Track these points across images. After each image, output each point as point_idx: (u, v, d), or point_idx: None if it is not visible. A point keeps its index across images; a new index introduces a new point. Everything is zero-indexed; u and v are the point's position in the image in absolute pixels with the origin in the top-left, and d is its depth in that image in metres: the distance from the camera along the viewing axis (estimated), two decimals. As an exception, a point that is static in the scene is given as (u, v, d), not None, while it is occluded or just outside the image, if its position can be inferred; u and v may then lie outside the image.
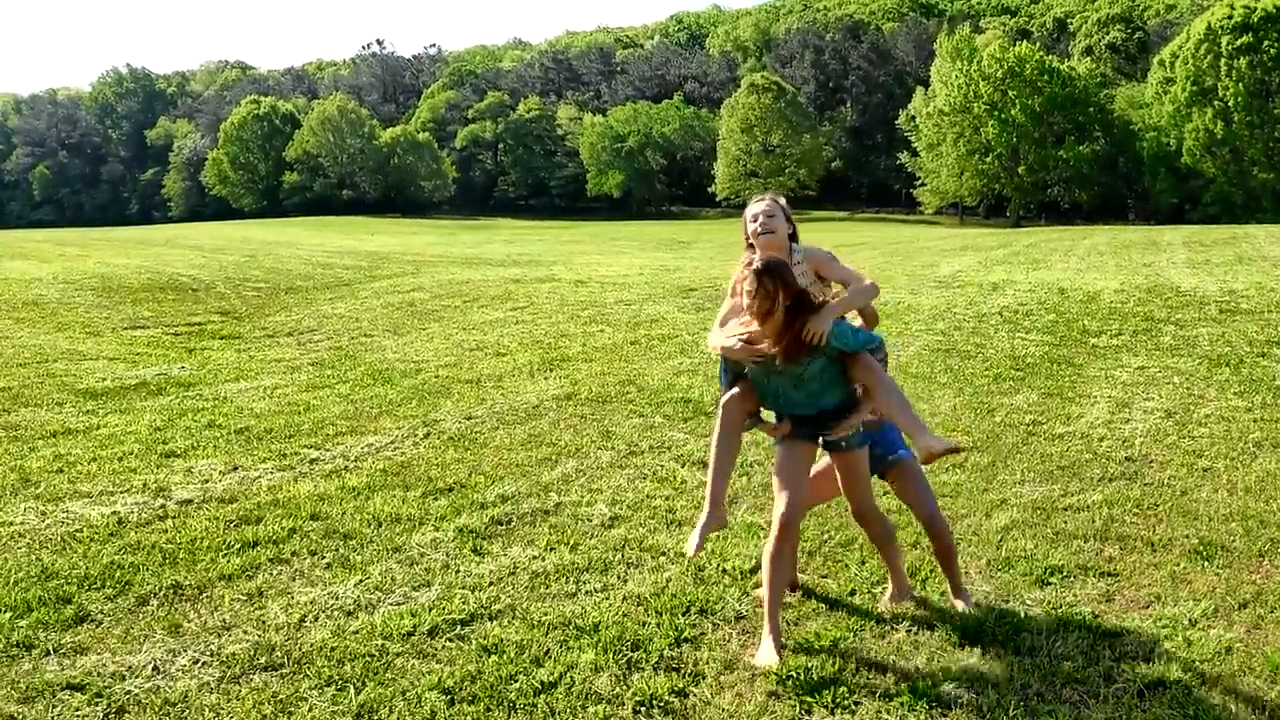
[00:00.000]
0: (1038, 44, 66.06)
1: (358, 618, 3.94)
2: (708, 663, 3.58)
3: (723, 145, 72.86)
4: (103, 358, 9.85)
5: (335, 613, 3.98)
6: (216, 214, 79.73)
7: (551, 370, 9.07)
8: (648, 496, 5.42)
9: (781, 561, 3.70)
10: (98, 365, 9.43)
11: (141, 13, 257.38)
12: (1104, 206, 60.21)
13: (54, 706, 3.29)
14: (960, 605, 4.02)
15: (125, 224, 70.58)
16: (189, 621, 3.90)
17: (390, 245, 31.70)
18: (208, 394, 8.16)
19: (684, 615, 3.94)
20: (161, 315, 12.88)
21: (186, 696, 3.35)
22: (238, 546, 4.66)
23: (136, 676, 3.47)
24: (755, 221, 3.93)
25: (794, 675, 3.45)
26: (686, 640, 3.74)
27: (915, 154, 65.19)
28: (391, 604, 4.07)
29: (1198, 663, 3.55)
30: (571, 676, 3.46)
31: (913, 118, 66.10)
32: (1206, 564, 4.41)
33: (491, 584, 4.26)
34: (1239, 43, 52.87)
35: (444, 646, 3.70)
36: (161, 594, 4.15)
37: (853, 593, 4.18)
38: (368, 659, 3.60)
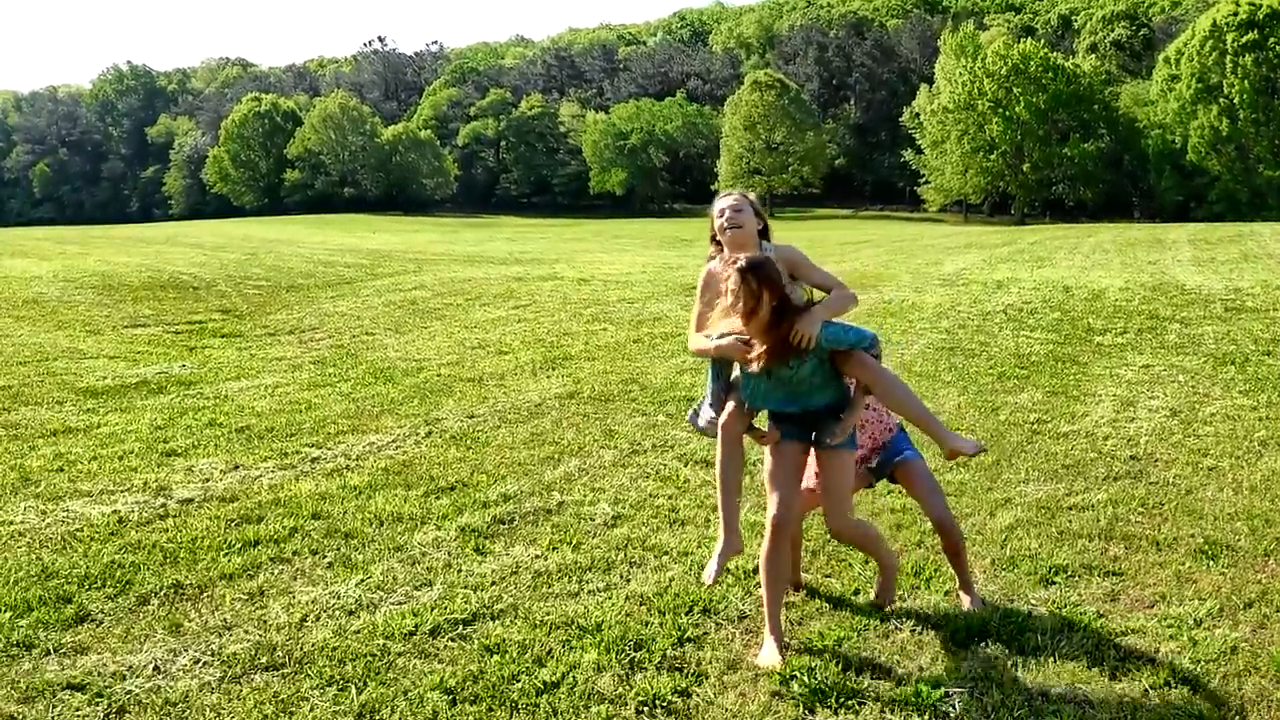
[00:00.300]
0: (1042, 41, 65.98)
1: (359, 617, 3.93)
2: (711, 662, 3.56)
3: (726, 143, 72.79)
4: (103, 356, 9.85)
5: (337, 612, 3.97)
6: (217, 212, 79.78)
7: (554, 369, 9.05)
8: (650, 495, 5.41)
9: (778, 562, 3.67)
10: (98, 364, 9.42)
11: (142, 10, 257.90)
12: (1109, 204, 60.09)
13: (54, 706, 3.28)
14: (967, 602, 4.00)
15: (126, 222, 70.57)
16: (190, 621, 3.89)
17: (392, 243, 31.70)
18: (209, 392, 8.15)
19: (687, 615, 3.92)
20: (162, 313, 12.88)
21: (187, 696, 3.34)
22: (239, 546, 4.65)
23: (137, 676, 3.46)
24: (722, 216, 3.79)
25: (797, 675, 3.43)
26: (689, 640, 3.73)
27: (919, 151, 65.09)
28: (393, 603, 4.05)
29: (1203, 662, 3.53)
30: (574, 676, 3.45)
31: (917, 115, 65.97)
32: (1212, 563, 4.39)
33: (494, 583, 4.25)
34: (1244, 39, 52.72)
35: (446, 646, 3.69)
36: (162, 593, 4.14)
37: (856, 592, 4.16)
38: (369, 659, 3.59)
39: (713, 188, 73.32)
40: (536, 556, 4.54)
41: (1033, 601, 4.04)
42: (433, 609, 3.97)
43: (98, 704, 3.29)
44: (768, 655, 3.57)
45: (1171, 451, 6.09)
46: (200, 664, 3.55)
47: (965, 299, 12.76)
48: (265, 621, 3.89)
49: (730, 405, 3.74)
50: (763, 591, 3.71)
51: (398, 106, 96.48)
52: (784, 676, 3.44)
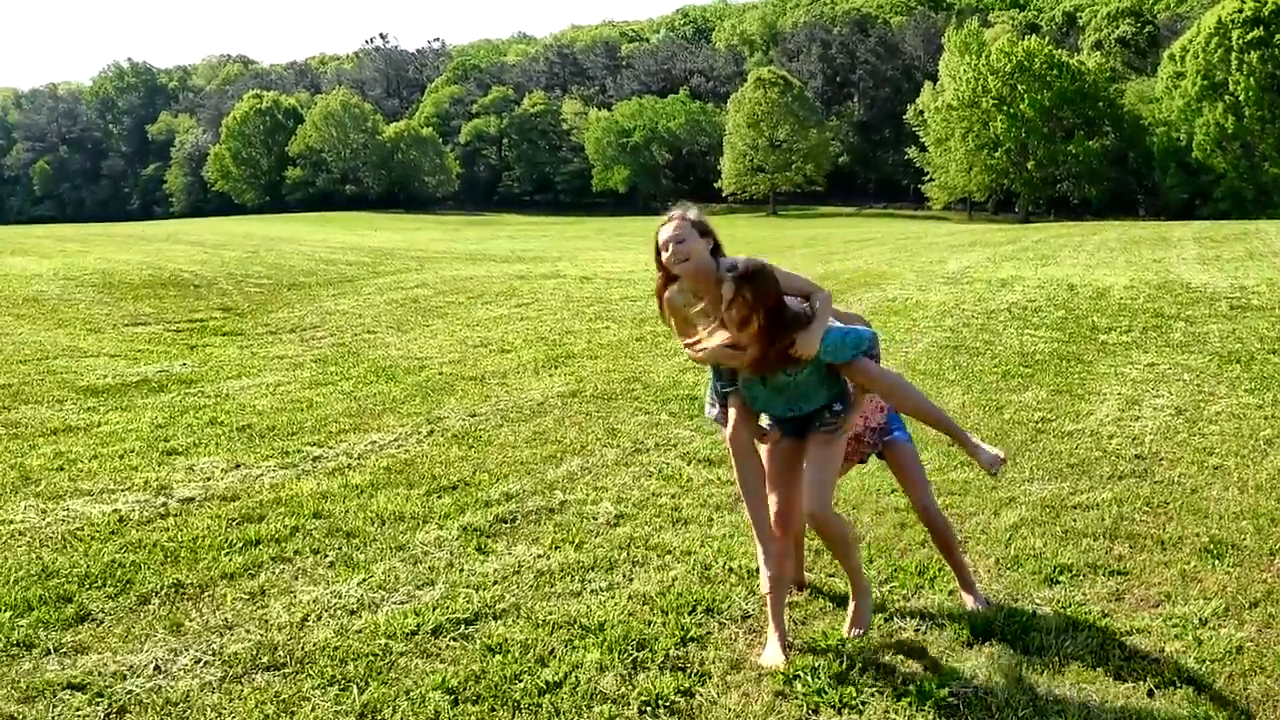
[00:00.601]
0: (1047, 38, 65.76)
1: (361, 617, 3.92)
2: (714, 662, 3.55)
3: (729, 140, 72.70)
4: (104, 354, 9.84)
5: (338, 612, 3.96)
6: (218, 210, 79.72)
7: (556, 367, 9.04)
8: (653, 494, 5.39)
9: (781, 561, 3.64)
10: (98, 362, 9.42)
11: (143, 6, 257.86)
12: (1114, 202, 59.93)
13: (54, 706, 3.26)
14: (970, 602, 3.97)
15: (126, 220, 70.49)
16: (191, 620, 3.88)
17: (394, 241, 31.70)
18: (210, 391, 8.14)
19: (690, 614, 3.91)
20: (163, 312, 12.88)
21: (188, 696, 3.33)
22: (240, 545, 4.64)
23: (138, 676, 3.45)
24: (667, 251, 3.54)
25: (801, 675, 3.42)
26: (692, 640, 3.71)
27: (923, 149, 64.95)
28: (395, 603, 4.04)
29: (1208, 662, 3.52)
30: (576, 676, 3.43)
31: (921, 112, 65.84)
32: (1217, 562, 4.37)
33: (496, 583, 4.23)
34: (1250, 36, 52.55)
35: (448, 646, 3.68)
36: (163, 593, 4.13)
37: (860, 592, 4.14)
38: (371, 658, 3.57)
39: (716, 185, 73.43)
40: (539, 556, 4.53)
41: (1037, 601, 4.02)
42: (435, 608, 3.96)
43: (98, 704, 3.28)
44: (771, 655, 3.55)
45: (1177, 450, 6.07)
46: (201, 664, 3.54)
47: (969, 297, 12.73)
48: (266, 621, 3.87)
49: (732, 414, 3.68)
50: (766, 594, 3.69)
51: (399, 104, 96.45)
52: (787, 676, 3.43)
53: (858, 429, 3.99)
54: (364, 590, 4.15)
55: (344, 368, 9.20)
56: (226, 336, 11.24)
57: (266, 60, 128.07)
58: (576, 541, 4.70)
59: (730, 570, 4.33)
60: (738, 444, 3.68)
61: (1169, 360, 8.81)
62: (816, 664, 3.48)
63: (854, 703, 3.27)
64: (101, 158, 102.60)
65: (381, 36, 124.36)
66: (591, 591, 4.14)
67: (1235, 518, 4.89)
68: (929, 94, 65.88)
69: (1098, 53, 67.96)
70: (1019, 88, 59.19)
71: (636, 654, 3.59)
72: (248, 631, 3.79)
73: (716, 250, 3.59)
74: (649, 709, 3.26)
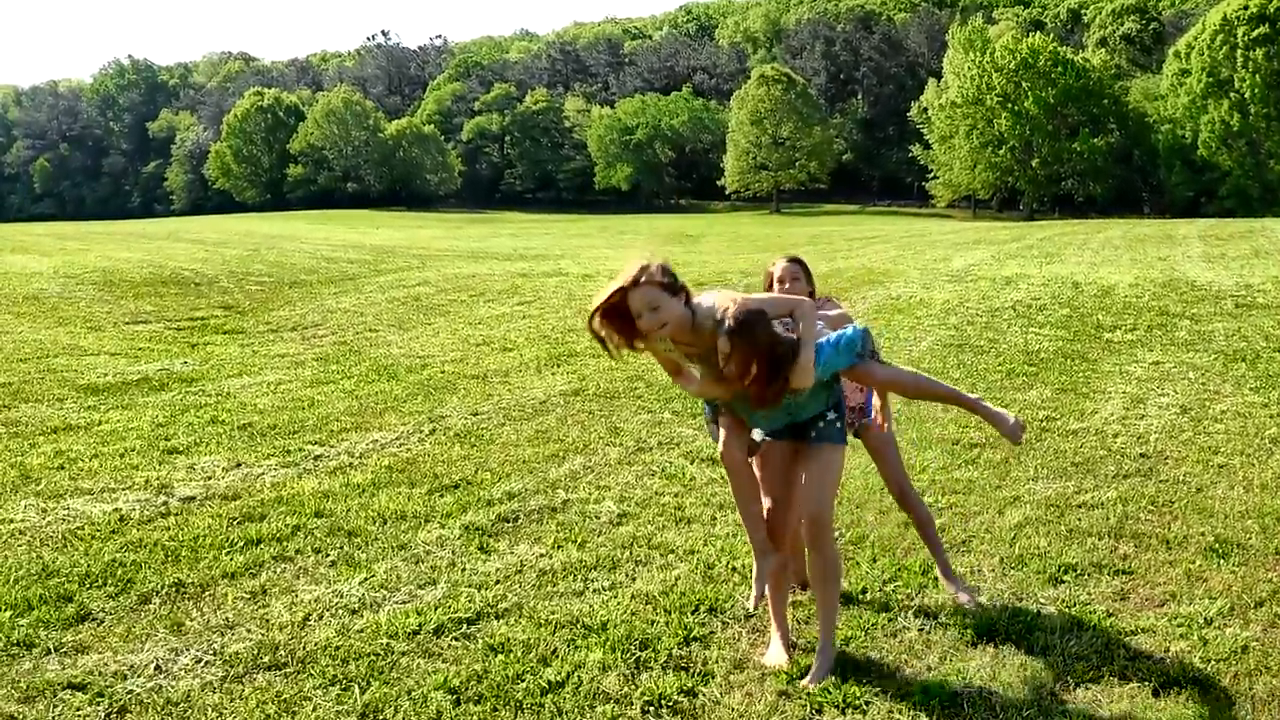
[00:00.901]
0: (1051, 35, 65.61)
1: (362, 616, 3.90)
2: (717, 662, 3.53)
3: (732, 138, 72.63)
4: (104, 353, 9.84)
5: (340, 611, 3.95)
6: (219, 207, 79.78)
7: (559, 365, 9.02)
8: (656, 493, 5.38)
9: (778, 577, 3.59)
10: (99, 360, 9.41)
11: (144, 3, 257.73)
12: (1118, 200, 59.83)
13: (55, 706, 3.25)
14: (951, 590, 3.98)
15: (127, 217, 70.54)
16: (191, 620, 3.87)
17: (395, 239, 31.70)
18: (210, 390, 8.13)
19: (693, 614, 3.89)
20: (164, 310, 12.88)
21: (189, 696, 3.32)
22: (241, 544, 4.63)
23: (138, 676, 3.44)
24: (640, 320, 3.34)
25: (804, 674, 3.40)
26: (695, 639, 3.70)
27: (927, 146, 64.85)
28: (397, 602, 4.03)
29: (1213, 662, 3.50)
30: (579, 676, 3.42)
31: (925, 110, 65.73)
32: (1222, 562, 4.35)
33: (498, 582, 4.22)
34: (1255, 33, 52.41)
35: (450, 645, 3.66)
36: (164, 592, 4.12)
37: (864, 591, 4.13)
38: (372, 658, 3.56)
39: (719, 183, 73.37)
40: (541, 555, 4.52)
41: (1041, 600, 4.00)
42: (436, 608, 3.94)
43: (99, 703, 3.27)
44: (774, 655, 3.54)
45: (1182, 449, 6.04)
46: (202, 663, 3.53)
47: (974, 295, 12.70)
48: (268, 620, 3.86)
49: (723, 432, 3.61)
50: (767, 593, 3.67)
51: (401, 101, 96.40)
52: (791, 676, 3.41)
53: None
54: (366, 589, 4.14)
55: (345, 366, 9.19)
56: (228, 335, 11.23)
57: (268, 57, 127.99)
58: (579, 541, 4.68)
59: (733, 569, 4.31)
60: (730, 460, 3.61)
61: (1174, 358, 8.78)
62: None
63: (857, 703, 3.26)
64: (102, 155, 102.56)
65: (383, 33, 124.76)
66: (594, 591, 4.13)
67: (1241, 517, 4.86)
68: (933, 91, 65.75)
69: (1102, 50, 67.80)
70: (1023, 85, 59.07)
71: (639, 653, 3.58)
72: (249, 631, 3.77)
73: (686, 297, 3.40)
74: (652, 709, 3.24)
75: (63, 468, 5.86)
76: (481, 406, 7.41)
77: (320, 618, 3.89)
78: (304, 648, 3.64)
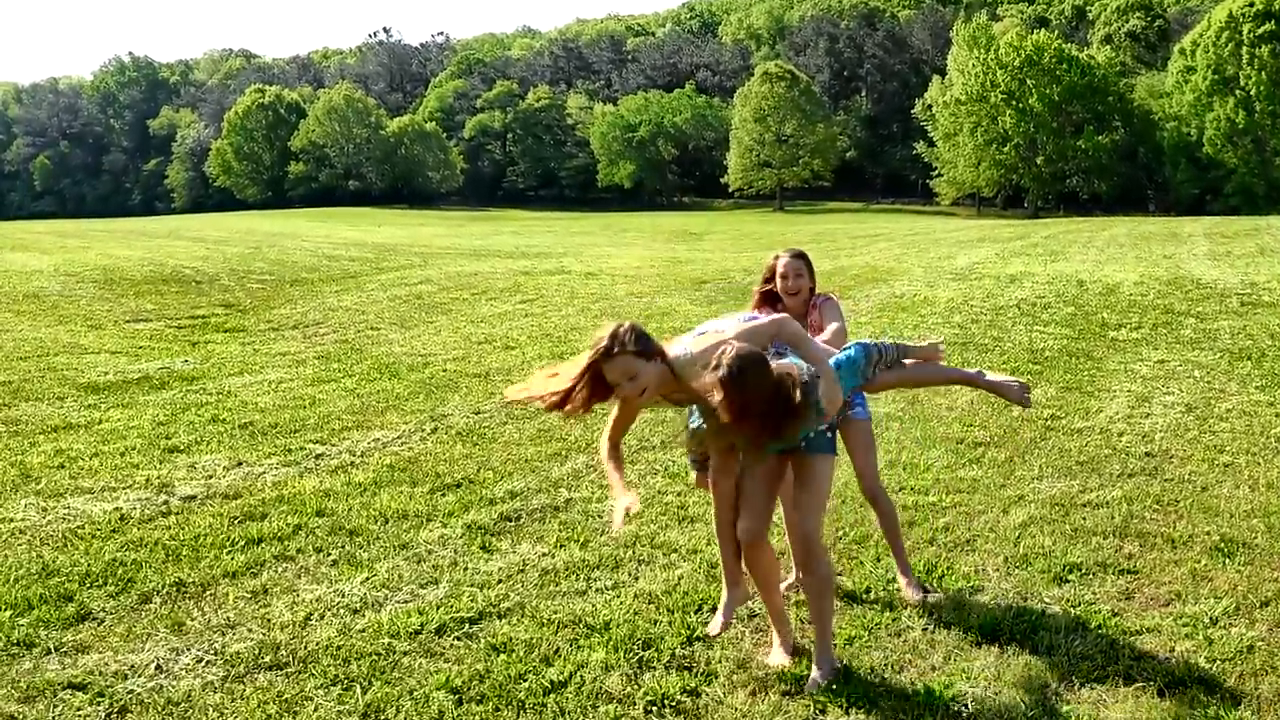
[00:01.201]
0: (1056, 32, 65.43)
1: (364, 616, 3.89)
2: (720, 661, 3.52)
3: (735, 135, 72.51)
4: (104, 351, 9.84)
5: (341, 611, 3.93)
6: (220, 205, 79.71)
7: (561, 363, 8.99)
8: (659, 492, 5.36)
9: (763, 572, 3.53)
10: (99, 359, 9.41)
11: (144, 0, 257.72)
12: (1123, 197, 59.68)
13: (55, 706, 3.25)
14: (909, 593, 3.97)
15: (127, 215, 70.52)
16: (192, 619, 3.86)
17: (397, 237, 31.69)
18: (211, 388, 8.12)
19: (696, 613, 3.88)
20: (164, 308, 12.88)
21: (190, 696, 3.31)
22: (242, 543, 4.62)
23: (139, 675, 3.43)
24: (620, 388, 3.27)
25: (808, 674, 3.38)
26: (699, 639, 3.68)
27: (931, 144, 64.72)
28: (398, 602, 4.01)
29: (1219, 661, 3.48)
30: (582, 675, 3.41)
31: (929, 107, 65.58)
32: (1228, 561, 4.33)
33: (500, 581, 4.21)
34: (1261, 30, 52.19)
35: (452, 645, 3.65)
36: (164, 591, 4.11)
37: (867, 590, 4.11)
38: (374, 658, 3.55)
39: (722, 180, 73.24)
40: (544, 554, 4.50)
41: (1046, 600, 3.98)
42: (438, 607, 3.93)
43: (99, 703, 3.26)
44: (778, 655, 3.53)
45: (1187, 448, 6.02)
46: (203, 663, 3.52)
47: (978, 293, 12.68)
48: (269, 620, 3.85)
49: (713, 462, 3.56)
50: (762, 602, 3.66)
51: (403, 98, 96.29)
52: (794, 676, 3.39)
53: None
54: (367, 589, 4.13)
55: (347, 364, 9.18)
56: (228, 333, 11.22)
57: (269, 54, 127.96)
58: (581, 540, 4.67)
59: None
60: (718, 491, 3.54)
61: (1179, 357, 8.75)
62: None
63: (862, 702, 3.24)
64: (102, 153, 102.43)
65: (385, 30, 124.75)
66: (597, 590, 4.11)
67: (1246, 516, 4.84)
68: (937, 88, 65.61)
69: (1107, 47, 67.59)
70: (1028, 82, 58.90)
71: (642, 653, 3.56)
72: (250, 630, 3.76)
73: (663, 357, 3.30)
74: (655, 708, 3.23)
75: (63, 466, 5.85)
76: (484, 405, 7.40)
77: (322, 617, 3.88)
78: (305, 647, 3.63)
